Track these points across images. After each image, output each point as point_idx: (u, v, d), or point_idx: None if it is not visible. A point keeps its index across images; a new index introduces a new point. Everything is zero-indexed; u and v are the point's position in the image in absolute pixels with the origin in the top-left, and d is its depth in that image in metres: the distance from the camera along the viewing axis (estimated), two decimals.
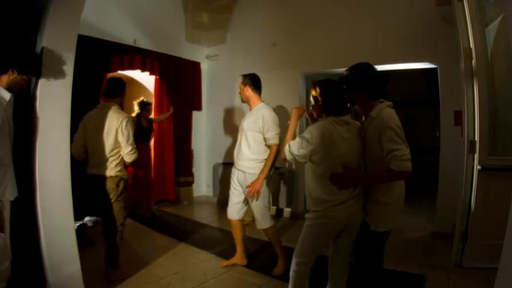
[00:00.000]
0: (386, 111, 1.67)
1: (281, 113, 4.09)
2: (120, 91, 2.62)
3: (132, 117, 4.22)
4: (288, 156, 1.85)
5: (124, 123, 2.45)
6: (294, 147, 1.81)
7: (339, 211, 1.73)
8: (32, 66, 1.87)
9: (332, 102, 1.81)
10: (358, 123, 1.86)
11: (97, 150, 2.47)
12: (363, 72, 1.75)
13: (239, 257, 2.85)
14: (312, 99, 1.92)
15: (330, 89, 1.82)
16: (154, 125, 4.57)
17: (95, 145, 2.48)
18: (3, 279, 1.79)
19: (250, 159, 2.59)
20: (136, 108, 4.27)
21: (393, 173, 1.56)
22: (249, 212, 4.07)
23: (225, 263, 2.87)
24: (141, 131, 4.20)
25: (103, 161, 2.45)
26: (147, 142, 4.40)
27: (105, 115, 2.46)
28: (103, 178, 2.46)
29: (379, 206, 1.72)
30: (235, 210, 2.75)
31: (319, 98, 1.84)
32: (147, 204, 4.36)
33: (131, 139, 2.49)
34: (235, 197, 2.73)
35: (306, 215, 1.85)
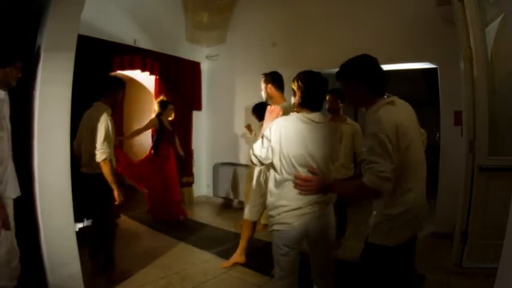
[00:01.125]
0: (381, 112, 1.38)
1: None
2: (111, 91, 2.57)
3: (153, 119, 4.02)
4: (253, 159, 1.67)
5: (100, 122, 2.41)
6: (256, 148, 1.65)
7: (295, 217, 1.59)
8: (13, 53, 1.85)
9: (308, 95, 1.62)
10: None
11: (86, 149, 2.49)
12: (358, 60, 1.50)
13: (238, 255, 2.85)
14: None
15: (309, 81, 1.63)
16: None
17: (84, 143, 2.50)
18: (14, 277, 1.79)
19: None
20: (156, 108, 4.06)
21: (364, 188, 1.31)
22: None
23: (226, 263, 2.87)
24: (162, 132, 4.02)
25: (89, 160, 2.46)
26: (171, 145, 4.15)
27: (92, 114, 2.48)
28: (89, 176, 2.48)
29: (374, 219, 1.48)
30: (254, 211, 2.72)
31: (297, 92, 1.66)
32: (175, 207, 4.14)
33: (102, 138, 2.39)
34: (257, 198, 2.69)
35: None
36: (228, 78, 5.19)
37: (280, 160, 1.61)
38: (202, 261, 3.00)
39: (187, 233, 3.76)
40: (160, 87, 4.82)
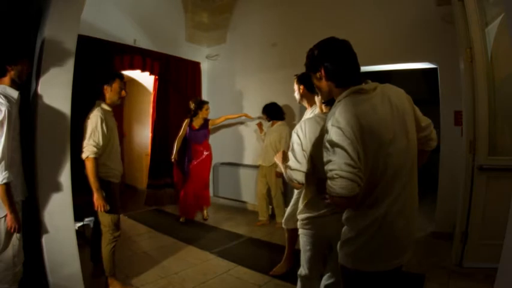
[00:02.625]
0: (339, 104, 1.14)
1: None
2: (103, 84, 2.41)
3: (186, 122, 4.15)
4: (293, 176, 1.48)
5: (89, 117, 2.29)
6: (291, 163, 1.49)
7: (318, 225, 1.53)
8: (20, 50, 1.85)
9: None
10: None
11: None
12: (318, 47, 1.30)
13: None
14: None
15: None
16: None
17: None
18: (16, 280, 1.80)
19: None
20: (192, 108, 4.13)
21: (331, 197, 1.09)
22: (263, 211, 4.05)
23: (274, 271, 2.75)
24: (189, 134, 4.14)
25: None
26: (201, 143, 4.19)
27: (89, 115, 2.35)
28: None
29: (343, 234, 1.25)
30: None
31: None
32: (184, 207, 4.18)
33: (88, 134, 2.22)
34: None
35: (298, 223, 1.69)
36: (228, 78, 5.19)
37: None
38: (202, 261, 3.00)
39: (188, 233, 3.76)
40: (160, 87, 4.83)
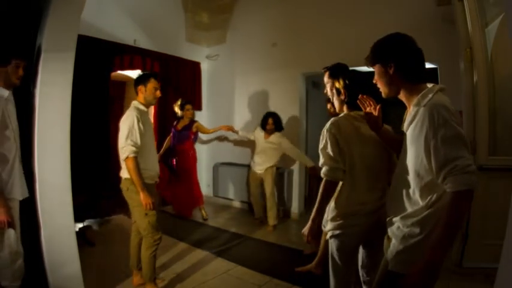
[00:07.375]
0: (438, 98, 1.15)
1: (282, 113, 4.09)
2: (137, 85, 2.37)
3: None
4: (336, 174, 1.50)
5: (122, 121, 2.27)
6: (325, 157, 1.51)
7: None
8: (13, 51, 1.85)
9: (356, 96, 1.56)
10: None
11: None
12: (389, 40, 1.31)
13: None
14: (333, 91, 1.64)
15: (357, 82, 1.61)
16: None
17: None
18: (17, 277, 1.80)
19: None
20: (178, 112, 4.21)
21: (458, 197, 1.02)
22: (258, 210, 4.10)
23: (300, 268, 2.74)
24: (173, 135, 4.23)
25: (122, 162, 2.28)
26: (182, 143, 4.21)
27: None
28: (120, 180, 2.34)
29: (397, 233, 1.24)
30: None
31: (343, 91, 1.61)
32: (179, 207, 4.34)
33: (125, 135, 2.19)
34: None
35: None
36: (228, 78, 5.19)
37: (347, 160, 1.51)
38: (202, 261, 3.00)
39: (187, 233, 3.76)
40: (160, 87, 4.81)
